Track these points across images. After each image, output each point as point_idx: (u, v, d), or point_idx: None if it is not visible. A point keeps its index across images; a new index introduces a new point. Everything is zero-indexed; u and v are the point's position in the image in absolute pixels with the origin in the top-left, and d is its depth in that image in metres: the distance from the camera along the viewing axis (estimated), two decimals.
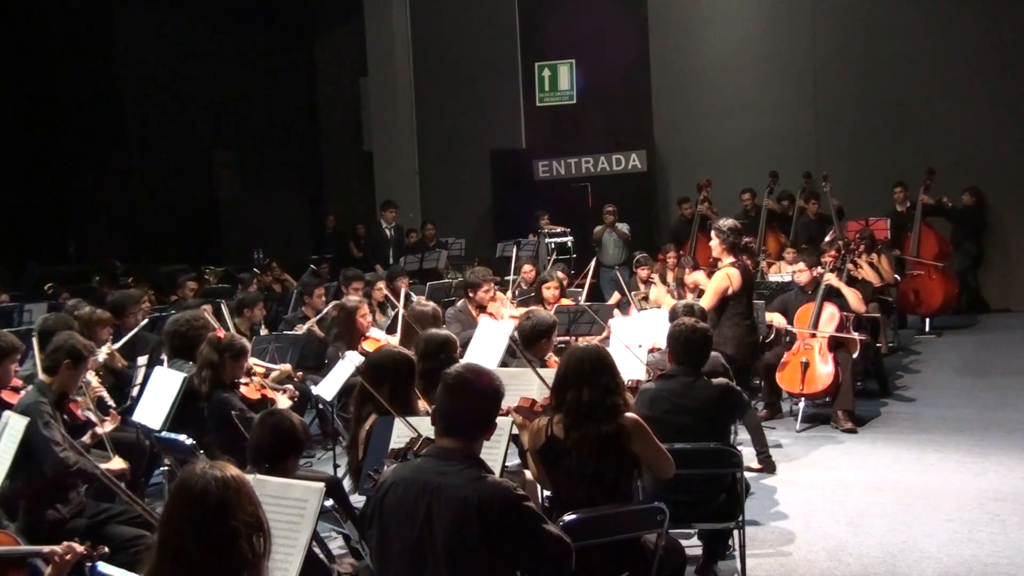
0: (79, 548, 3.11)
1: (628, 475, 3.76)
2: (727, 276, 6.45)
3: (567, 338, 7.10)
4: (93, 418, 5.05)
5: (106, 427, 5.03)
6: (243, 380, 5.44)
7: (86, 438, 4.99)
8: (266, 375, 5.96)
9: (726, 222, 6.71)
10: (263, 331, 7.78)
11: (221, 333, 5.49)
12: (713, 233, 6.70)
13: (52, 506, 4.49)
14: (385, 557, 3.02)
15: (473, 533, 2.86)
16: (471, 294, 7.75)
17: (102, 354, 6.18)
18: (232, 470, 2.45)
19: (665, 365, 4.95)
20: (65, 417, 4.84)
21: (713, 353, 5.79)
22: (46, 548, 3.21)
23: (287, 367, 6.36)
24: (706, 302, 6.47)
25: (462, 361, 3.28)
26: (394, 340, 6.92)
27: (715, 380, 4.64)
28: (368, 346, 6.40)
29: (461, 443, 3.02)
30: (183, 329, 5.75)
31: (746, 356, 6.59)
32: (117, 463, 4.88)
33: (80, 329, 6.17)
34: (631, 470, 3.76)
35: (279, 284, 11.36)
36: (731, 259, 6.52)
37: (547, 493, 4.26)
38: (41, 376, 4.86)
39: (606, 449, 3.66)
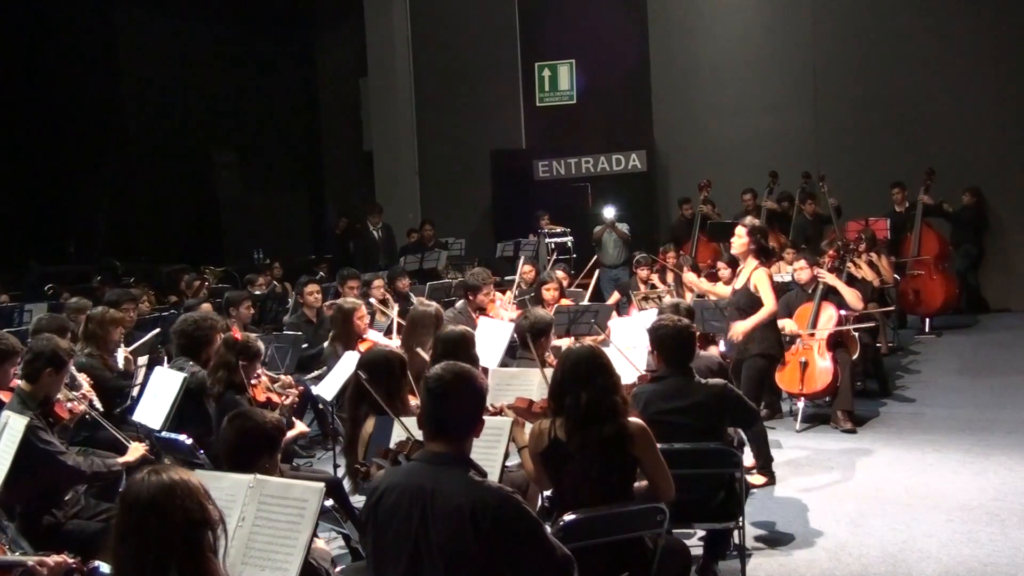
0: (70, 561, 3.11)
1: (631, 476, 3.76)
2: (767, 274, 6.35)
3: (567, 338, 7.10)
4: (70, 405, 4.96)
5: (79, 407, 4.98)
6: (252, 383, 5.44)
7: (67, 420, 4.94)
8: (273, 382, 5.96)
9: (754, 221, 6.57)
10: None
11: (238, 335, 5.48)
12: (743, 230, 6.42)
13: (48, 510, 4.47)
14: (381, 563, 3.00)
15: (468, 541, 2.83)
16: (471, 296, 7.76)
17: (120, 358, 6.22)
18: (176, 473, 2.53)
19: None
20: (51, 421, 4.80)
21: (709, 354, 5.80)
22: (33, 559, 3.21)
23: (290, 380, 6.36)
24: (771, 301, 6.34)
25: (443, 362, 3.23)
26: (390, 341, 6.93)
27: (711, 380, 4.62)
28: (365, 348, 6.40)
29: (451, 446, 2.99)
30: (190, 329, 5.74)
31: (781, 354, 6.72)
32: (134, 452, 4.80)
33: (94, 328, 6.17)
34: (634, 471, 3.75)
35: (280, 284, 11.37)
36: (755, 262, 6.37)
37: (547, 493, 4.25)
38: (21, 384, 4.75)
39: (609, 450, 3.65)
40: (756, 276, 6.36)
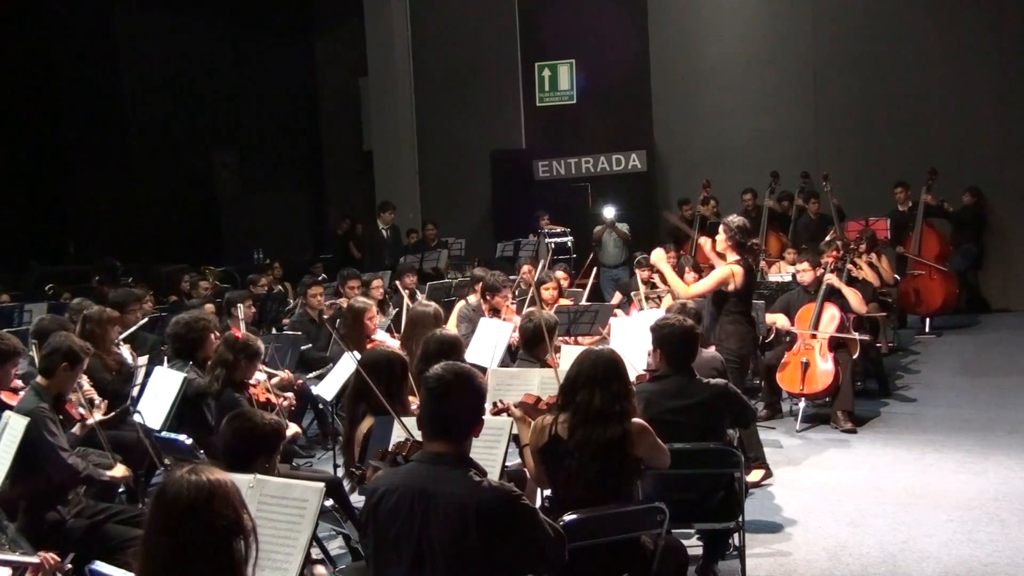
0: (52, 560, 3.08)
1: (629, 479, 3.75)
2: (732, 272, 6.41)
3: (567, 338, 7.10)
4: (83, 411, 5.04)
5: (96, 415, 5.02)
6: (251, 382, 5.44)
7: (75, 429, 4.98)
8: (268, 380, 5.96)
9: (736, 219, 6.63)
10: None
11: (238, 333, 5.47)
12: (721, 228, 6.61)
13: (52, 507, 4.49)
14: (382, 564, 3.00)
15: (472, 539, 2.83)
16: (488, 297, 7.79)
17: (126, 352, 6.23)
18: (214, 474, 2.47)
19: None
20: (61, 417, 4.84)
21: (713, 353, 5.80)
22: (29, 558, 3.20)
23: (289, 376, 6.36)
24: (702, 287, 6.52)
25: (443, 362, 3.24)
26: (396, 342, 6.92)
27: (713, 380, 4.62)
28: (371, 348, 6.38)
29: (451, 446, 2.99)
30: (183, 331, 5.74)
31: (750, 352, 6.73)
32: (120, 470, 4.88)
33: (92, 328, 6.18)
34: (632, 474, 3.75)
35: (280, 284, 11.37)
36: (736, 257, 6.48)
37: (547, 492, 4.25)
38: (37, 379, 4.84)
39: (609, 453, 3.65)
40: (722, 267, 6.51)
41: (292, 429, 5.57)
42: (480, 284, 8.04)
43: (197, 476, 2.44)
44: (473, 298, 8.17)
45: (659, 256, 7.06)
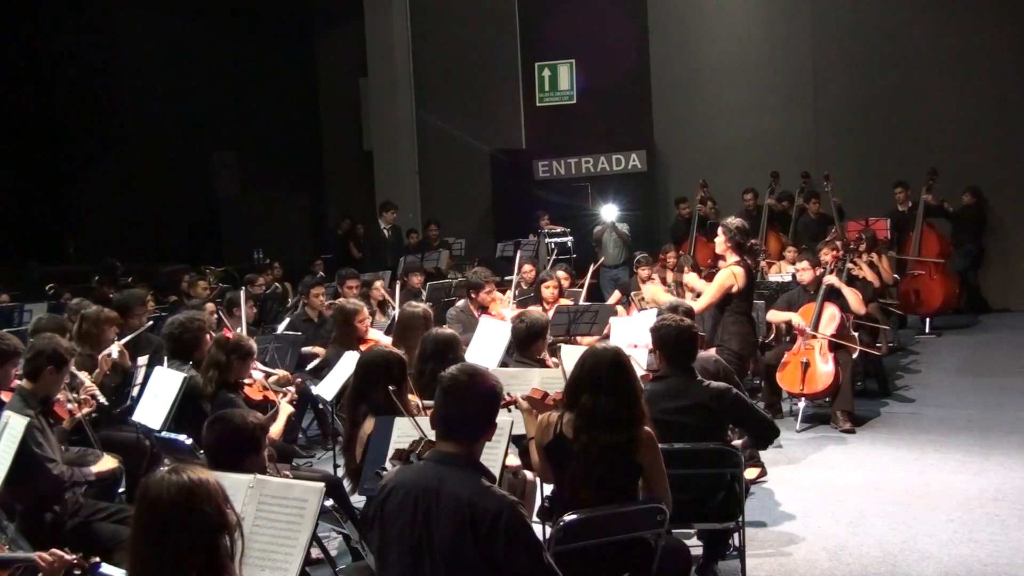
0: (68, 557, 3.08)
1: (635, 480, 3.73)
2: (732, 274, 6.44)
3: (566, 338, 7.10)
4: (71, 407, 5.01)
5: (83, 410, 5.00)
6: (247, 381, 5.43)
7: (65, 424, 4.96)
8: (266, 378, 5.96)
9: (734, 221, 6.66)
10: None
11: (230, 334, 5.46)
12: (720, 230, 6.65)
13: (50, 508, 4.48)
14: (385, 560, 3.00)
15: (468, 542, 2.84)
16: (473, 295, 7.78)
17: (115, 351, 6.20)
18: (196, 472, 2.47)
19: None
20: (51, 420, 4.81)
21: (707, 355, 5.79)
22: (34, 554, 3.19)
23: (285, 373, 6.35)
24: (708, 298, 6.52)
25: (458, 363, 3.24)
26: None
27: (715, 384, 4.60)
28: (367, 348, 6.38)
29: (462, 446, 2.99)
30: (178, 332, 5.73)
31: (750, 352, 6.76)
32: (107, 463, 4.87)
33: (89, 328, 6.16)
34: (637, 475, 3.73)
35: (280, 284, 11.37)
36: (735, 258, 6.52)
37: (548, 492, 4.25)
38: (23, 382, 4.78)
39: (615, 457, 3.63)
40: (721, 272, 6.55)
41: (285, 410, 5.40)
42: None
43: (178, 476, 2.44)
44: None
45: (690, 280, 7.31)
